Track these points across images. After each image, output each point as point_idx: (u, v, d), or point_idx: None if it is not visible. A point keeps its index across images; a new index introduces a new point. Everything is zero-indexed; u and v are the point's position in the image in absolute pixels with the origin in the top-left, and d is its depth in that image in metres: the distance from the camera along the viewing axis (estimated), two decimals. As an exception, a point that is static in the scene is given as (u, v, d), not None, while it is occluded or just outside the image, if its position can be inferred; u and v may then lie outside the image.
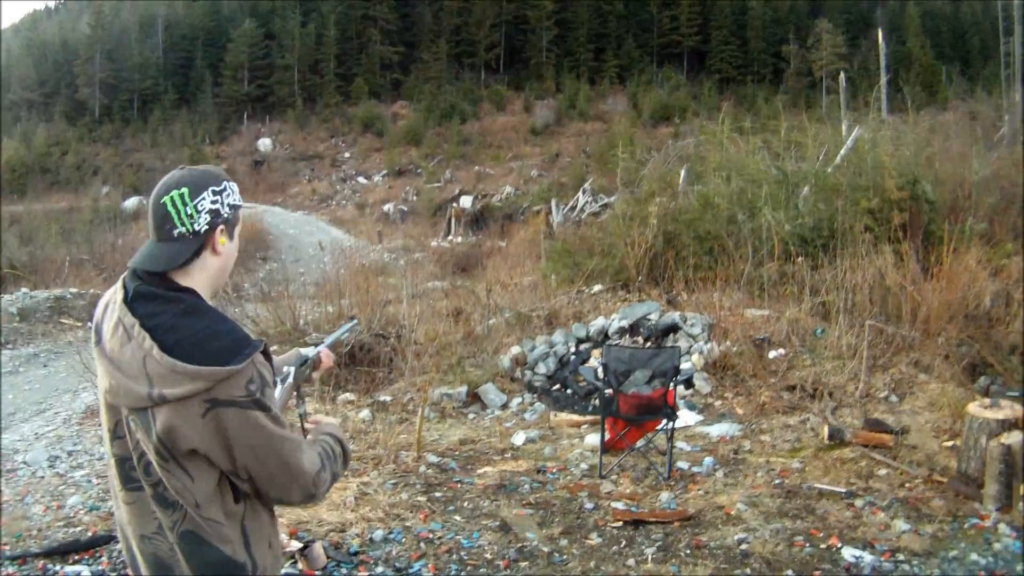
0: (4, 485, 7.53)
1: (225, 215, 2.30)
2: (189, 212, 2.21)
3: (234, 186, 2.35)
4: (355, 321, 3.71)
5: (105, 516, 6.44)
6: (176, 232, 2.21)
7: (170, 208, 2.20)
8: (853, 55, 69.54)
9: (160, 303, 2.18)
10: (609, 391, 7.74)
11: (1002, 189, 14.27)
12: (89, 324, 3.33)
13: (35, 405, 11.07)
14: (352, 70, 78.49)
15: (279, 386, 2.50)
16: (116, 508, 2.38)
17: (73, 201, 47.49)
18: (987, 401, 6.87)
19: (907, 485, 6.68)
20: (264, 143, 70.65)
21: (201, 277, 2.29)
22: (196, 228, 2.22)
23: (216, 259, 2.31)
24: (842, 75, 23.47)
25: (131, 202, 45.21)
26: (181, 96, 77.64)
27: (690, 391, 9.77)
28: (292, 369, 2.70)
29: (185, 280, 2.25)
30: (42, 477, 7.81)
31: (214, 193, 2.26)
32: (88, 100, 76.48)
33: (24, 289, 18.75)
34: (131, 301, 2.21)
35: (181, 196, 2.21)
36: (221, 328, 2.18)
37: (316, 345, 2.99)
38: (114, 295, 2.29)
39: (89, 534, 6.09)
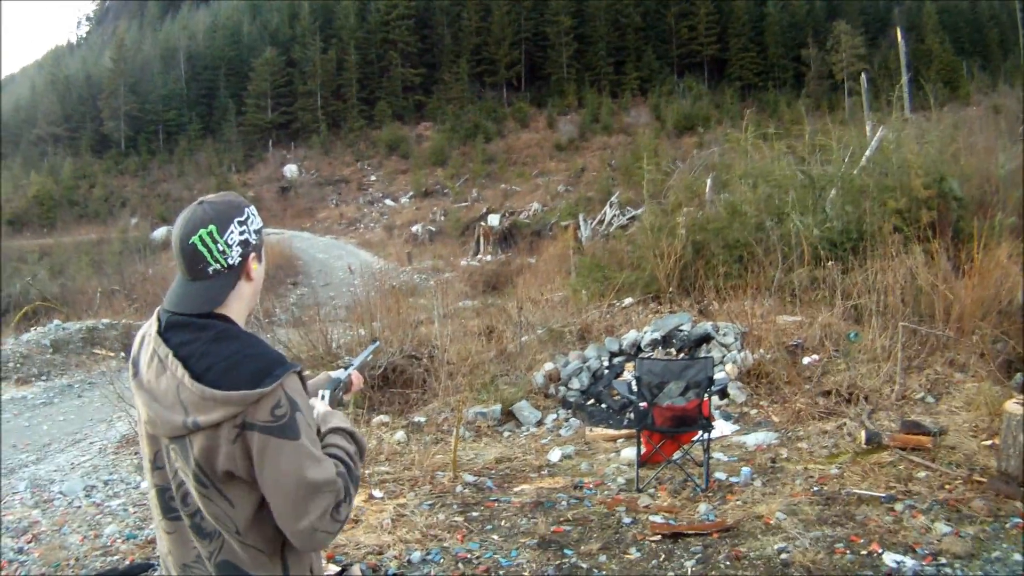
0: (41, 515, 7.60)
1: (254, 242, 2.32)
2: (221, 248, 2.22)
3: (253, 209, 2.36)
4: (377, 343, 3.77)
5: (142, 544, 6.49)
6: (211, 270, 2.23)
7: (200, 247, 2.21)
8: (873, 55, 69.31)
9: (192, 331, 2.20)
10: (643, 404, 7.69)
11: (1029, 182, 14.13)
12: (122, 354, 3.36)
13: (70, 435, 11.18)
14: (374, 93, 78.97)
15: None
16: (158, 538, 2.39)
17: (102, 233, 48.03)
18: (1024, 398, 6.80)
19: (947, 486, 6.61)
20: (290, 169, 71.07)
21: (237, 305, 2.31)
22: (231, 262, 2.24)
23: (250, 285, 2.34)
24: (863, 76, 23.32)
25: (160, 232, 45.76)
26: (205, 126, 78.45)
27: (725, 401, 9.72)
28: (327, 392, 2.71)
29: (220, 308, 2.27)
30: (79, 507, 7.87)
31: (240, 224, 2.27)
32: (113, 133, 77.33)
33: (57, 321, 19.01)
34: (164, 332, 2.23)
35: (210, 234, 2.22)
36: (252, 351, 2.18)
37: (345, 368, 3.02)
38: (149, 328, 2.31)
39: (127, 563, 6.13)
